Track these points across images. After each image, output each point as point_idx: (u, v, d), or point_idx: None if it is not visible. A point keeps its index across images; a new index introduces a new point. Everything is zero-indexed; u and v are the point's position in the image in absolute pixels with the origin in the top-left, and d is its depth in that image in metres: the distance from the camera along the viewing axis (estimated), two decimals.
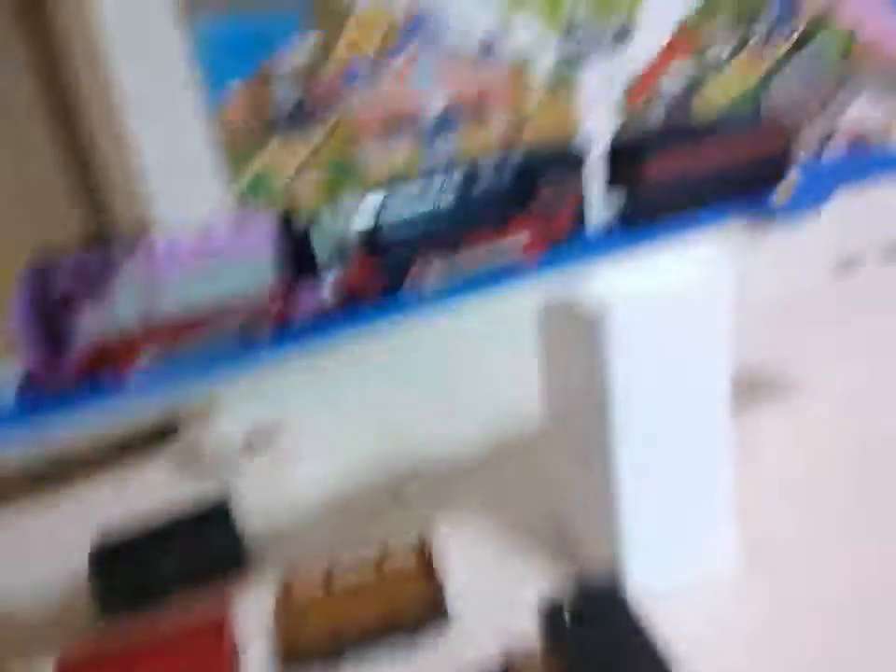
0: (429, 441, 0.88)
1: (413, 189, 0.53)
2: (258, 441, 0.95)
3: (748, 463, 0.69)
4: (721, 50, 1.06)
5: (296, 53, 0.87)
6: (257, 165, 0.90)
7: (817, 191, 0.61)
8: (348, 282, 0.51)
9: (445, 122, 0.96)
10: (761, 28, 1.07)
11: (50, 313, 0.45)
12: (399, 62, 0.91)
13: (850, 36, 1.11)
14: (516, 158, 0.56)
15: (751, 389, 0.88)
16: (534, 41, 0.96)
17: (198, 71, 0.84)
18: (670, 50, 1.03)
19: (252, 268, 0.48)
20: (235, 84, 0.86)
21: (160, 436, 1.00)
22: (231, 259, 0.47)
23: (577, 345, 0.58)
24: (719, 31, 1.05)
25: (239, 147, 0.89)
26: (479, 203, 0.54)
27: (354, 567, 0.64)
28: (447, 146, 0.97)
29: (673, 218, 0.61)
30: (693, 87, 1.06)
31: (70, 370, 0.46)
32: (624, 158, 0.62)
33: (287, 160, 0.91)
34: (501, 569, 0.67)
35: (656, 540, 0.60)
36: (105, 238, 0.51)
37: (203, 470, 0.93)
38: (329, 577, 0.63)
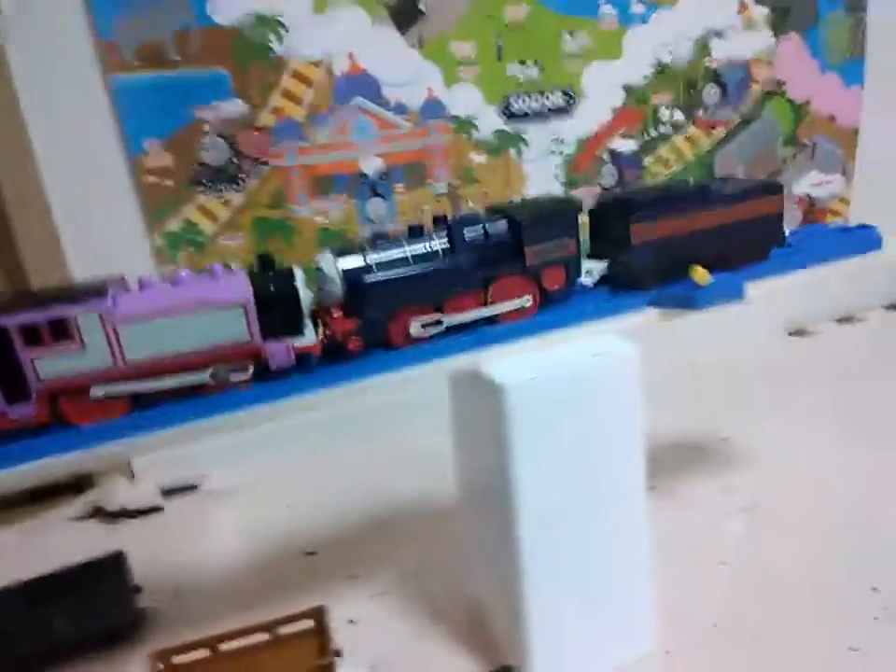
0: (346, 508, 0.84)
1: (394, 251, 0.53)
2: (167, 497, 0.92)
3: (673, 545, 0.67)
4: (670, 118, 1.05)
5: (222, 111, 0.85)
6: (178, 221, 0.87)
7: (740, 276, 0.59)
8: (330, 337, 0.51)
9: (382, 182, 0.93)
10: (710, 98, 1.06)
11: (9, 361, 0.44)
12: (333, 121, 0.89)
13: (802, 108, 1.11)
14: (500, 221, 0.55)
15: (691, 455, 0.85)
16: (475, 108, 0.95)
17: (118, 127, 0.82)
18: (617, 119, 1.02)
19: (225, 320, 0.47)
20: (156, 141, 0.84)
21: (69, 487, 0.95)
22: (203, 310, 0.47)
23: (482, 420, 0.55)
24: (667, 101, 1.04)
25: (159, 204, 0.86)
26: (463, 265, 0.53)
27: (245, 632, 0.60)
28: (384, 204, 0.94)
29: (656, 283, 0.58)
30: (644, 150, 1.05)
31: (29, 415, 0.45)
32: (611, 221, 0.60)
33: (211, 216, 0.88)
34: (406, 651, 0.63)
35: (568, 627, 0.56)
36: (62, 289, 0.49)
37: (109, 525, 0.88)
38: (219, 639, 0.59)
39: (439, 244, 0.54)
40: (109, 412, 0.47)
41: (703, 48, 1.03)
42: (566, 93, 0.98)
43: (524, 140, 0.98)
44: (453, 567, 0.70)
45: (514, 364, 0.53)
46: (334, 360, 0.51)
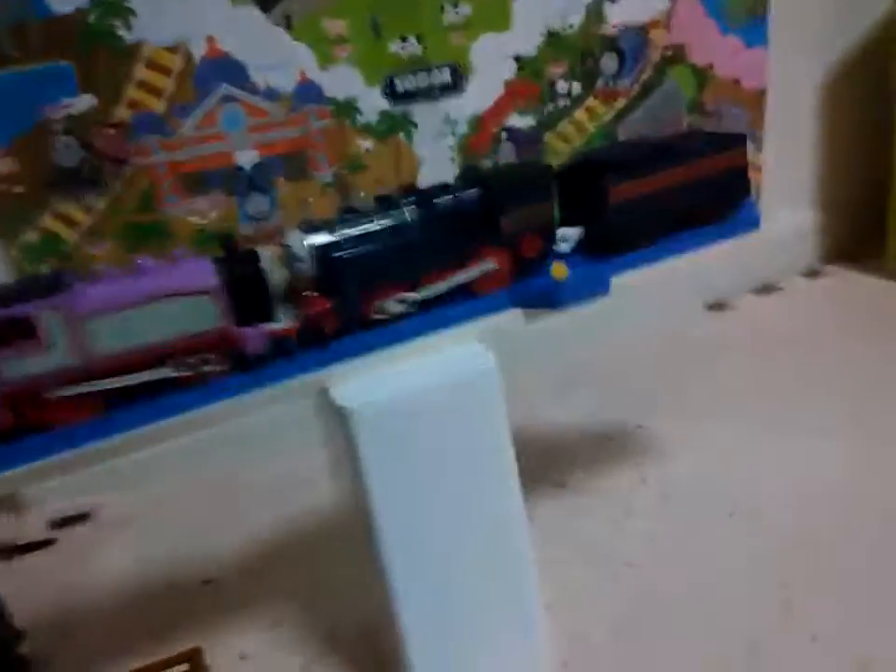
0: (248, 532, 0.79)
1: (365, 226, 0.50)
2: (57, 529, 0.86)
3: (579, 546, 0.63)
4: (568, 90, 1.00)
5: (70, 108, 0.77)
6: (35, 231, 0.80)
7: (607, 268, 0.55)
8: (305, 318, 0.48)
9: (260, 175, 0.87)
10: (608, 67, 1.01)
11: None
12: (198, 111, 0.82)
13: (705, 73, 1.07)
14: (472, 189, 0.53)
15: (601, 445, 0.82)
16: (355, 90, 0.88)
17: None
18: (511, 94, 0.97)
19: (192, 308, 0.45)
20: (3, 143, 0.76)
21: None
22: (168, 298, 0.45)
23: (337, 442, 0.50)
24: (563, 73, 0.99)
25: (11, 214, 0.79)
26: (436, 238, 0.51)
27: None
28: (265, 199, 0.88)
29: (635, 245, 0.56)
30: (543, 126, 1.00)
31: None
32: (583, 183, 0.56)
33: (72, 223, 0.81)
34: None
35: (451, 646, 0.53)
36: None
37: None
38: None
39: (410, 215, 0.51)
40: (80, 412, 0.45)
41: (597, 14, 0.98)
42: (453, 69, 0.93)
43: (413, 122, 0.93)
44: (349, 590, 0.66)
45: (363, 382, 0.49)
46: (311, 344, 0.49)
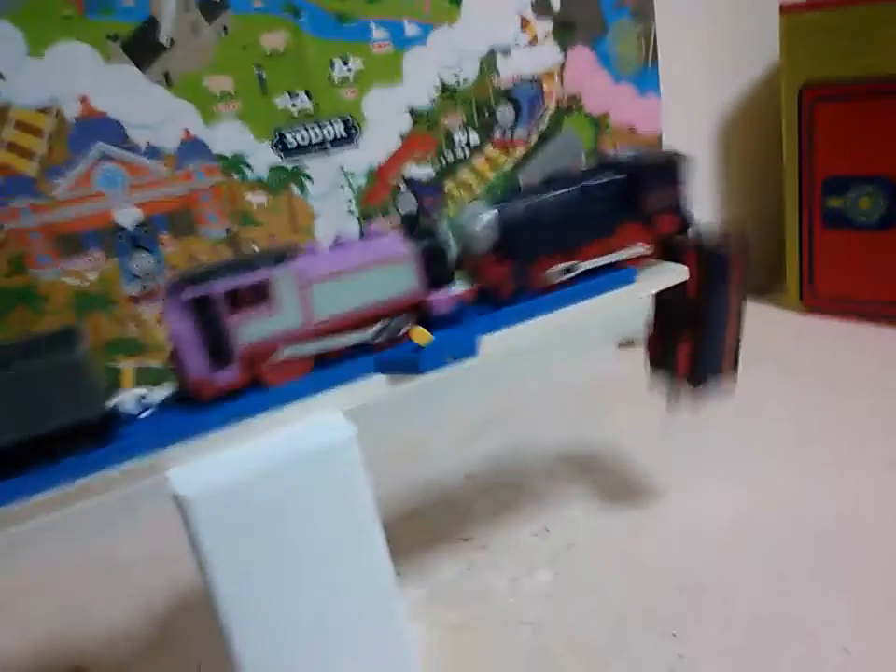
0: (120, 613, 0.74)
1: (535, 200, 0.56)
2: None
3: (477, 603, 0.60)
4: (465, 141, 1.00)
5: None
6: None
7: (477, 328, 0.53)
8: (482, 283, 0.56)
9: (143, 234, 0.84)
10: (505, 118, 1.02)
11: (211, 324, 0.45)
12: (73, 172, 0.79)
13: (601, 121, 1.09)
14: (621, 176, 0.60)
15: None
16: (243, 145, 0.87)
17: None
18: (407, 146, 0.97)
19: (393, 274, 0.50)
20: None
21: None
22: (376, 266, 0.50)
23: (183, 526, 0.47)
24: (460, 124, 0.99)
25: None
26: (591, 214, 0.58)
27: None
28: (150, 257, 0.85)
29: None
30: (442, 176, 1.00)
31: (233, 379, 0.47)
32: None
33: None
34: None
35: None
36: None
37: None
38: None
39: (571, 194, 0.57)
40: (296, 371, 0.49)
41: (489, 66, 0.99)
42: (346, 123, 0.92)
43: (306, 175, 0.91)
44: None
45: (206, 464, 0.46)
46: (488, 306, 0.55)
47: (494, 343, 0.54)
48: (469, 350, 0.51)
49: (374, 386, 0.51)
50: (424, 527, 0.79)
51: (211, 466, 0.45)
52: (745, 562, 0.67)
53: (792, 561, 0.65)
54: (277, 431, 0.48)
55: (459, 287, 0.55)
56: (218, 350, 0.46)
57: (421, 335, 0.49)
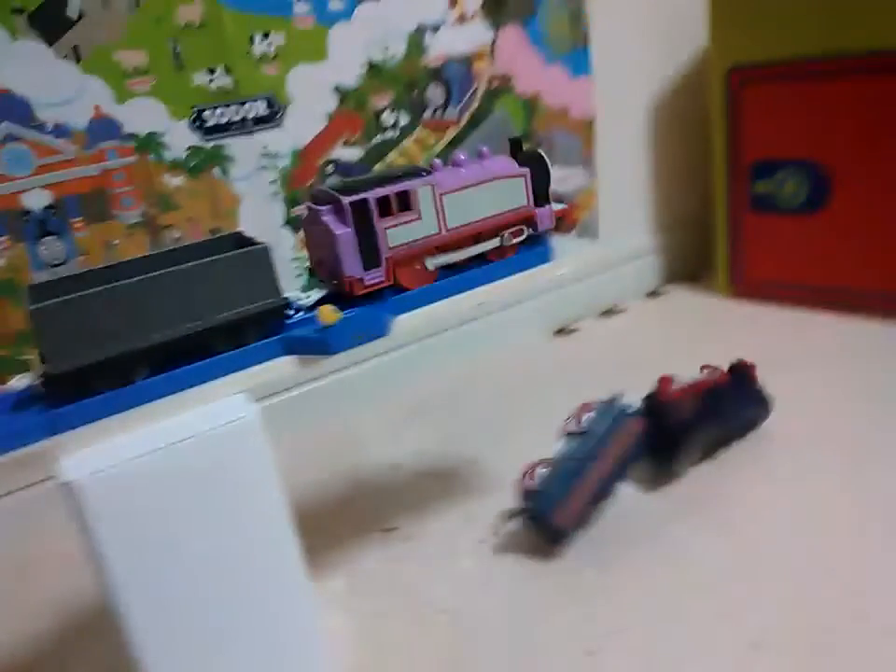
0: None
1: None
2: None
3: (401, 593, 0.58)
4: (395, 121, 0.98)
5: None
6: None
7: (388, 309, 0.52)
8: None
9: (53, 217, 0.80)
10: (435, 98, 1.01)
11: (366, 226, 0.50)
12: None
13: (533, 102, 1.08)
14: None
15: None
16: (159, 124, 0.83)
17: None
18: (335, 126, 0.94)
19: (510, 189, 0.56)
20: None
21: None
22: (496, 181, 0.56)
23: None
24: (388, 104, 0.97)
25: None
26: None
27: None
28: (60, 243, 0.81)
29: None
30: (371, 158, 0.98)
31: (380, 280, 0.51)
32: None
33: None
34: None
35: None
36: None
37: None
38: None
39: None
40: (427, 279, 0.54)
41: (417, 44, 0.97)
42: (269, 101, 0.89)
43: (227, 156, 0.88)
44: None
45: (99, 450, 0.43)
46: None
47: (409, 323, 0.52)
48: (379, 330, 0.49)
49: (283, 368, 0.49)
50: (348, 517, 0.77)
51: (104, 451, 0.43)
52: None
53: None
54: (178, 415, 0.46)
55: (560, 205, 0.61)
56: (370, 251, 0.50)
57: (329, 315, 0.47)
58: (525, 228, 0.58)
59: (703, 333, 1.09)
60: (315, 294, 0.53)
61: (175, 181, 0.86)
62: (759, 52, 1.06)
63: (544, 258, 0.59)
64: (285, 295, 0.50)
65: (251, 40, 0.86)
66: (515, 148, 0.59)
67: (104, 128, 0.81)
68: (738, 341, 1.01)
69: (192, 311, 0.46)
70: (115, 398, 0.44)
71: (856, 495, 0.68)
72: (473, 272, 0.56)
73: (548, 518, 0.63)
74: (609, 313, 1.21)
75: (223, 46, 0.85)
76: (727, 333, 1.08)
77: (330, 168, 0.96)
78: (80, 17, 0.77)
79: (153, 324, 0.45)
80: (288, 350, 0.49)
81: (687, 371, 0.81)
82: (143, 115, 0.82)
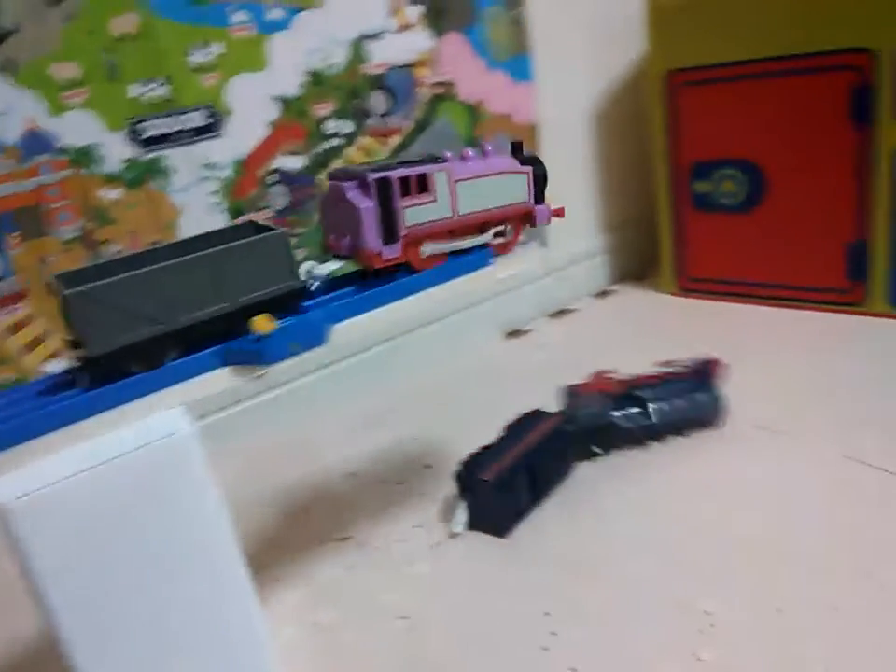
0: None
1: None
2: None
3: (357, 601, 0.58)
4: (338, 129, 0.98)
5: None
6: None
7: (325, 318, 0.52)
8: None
9: None
10: (378, 106, 1.01)
11: (387, 203, 0.52)
12: None
13: (476, 108, 1.09)
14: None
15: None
16: (94, 136, 0.82)
17: None
18: (276, 135, 0.94)
19: (515, 184, 0.60)
20: None
21: None
22: (503, 175, 0.59)
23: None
24: (331, 112, 0.97)
25: None
26: None
27: None
28: None
29: None
30: (315, 167, 0.98)
31: (396, 255, 0.54)
32: None
33: None
34: None
35: None
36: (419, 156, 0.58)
37: None
38: None
39: None
40: (437, 261, 0.58)
41: (358, 53, 0.97)
42: (208, 111, 0.88)
43: (166, 168, 0.87)
44: None
45: (32, 471, 0.42)
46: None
47: (349, 332, 0.52)
48: (316, 339, 0.49)
49: (220, 379, 0.49)
50: (303, 527, 0.77)
51: (35, 472, 0.42)
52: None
53: None
54: (112, 431, 0.45)
55: (555, 205, 0.63)
56: (390, 227, 0.53)
57: (263, 324, 0.47)
58: (523, 222, 0.62)
59: (650, 330, 1.11)
60: (331, 265, 0.58)
61: (112, 194, 0.84)
62: (695, 56, 1.08)
63: (483, 261, 0.59)
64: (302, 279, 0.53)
65: (188, 51, 0.85)
66: (516, 150, 0.62)
67: (37, 142, 0.79)
68: (684, 335, 1.04)
69: (219, 294, 0.48)
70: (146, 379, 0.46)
71: (799, 477, 0.71)
72: (410, 279, 0.56)
73: (475, 475, 0.69)
74: (560, 313, 1.22)
75: (159, 56, 0.84)
76: (673, 329, 1.11)
77: (274, 177, 0.95)
78: (14, 30, 0.76)
79: (183, 307, 0.47)
80: (225, 361, 0.49)
81: (636, 367, 0.82)
82: (77, 128, 0.81)
